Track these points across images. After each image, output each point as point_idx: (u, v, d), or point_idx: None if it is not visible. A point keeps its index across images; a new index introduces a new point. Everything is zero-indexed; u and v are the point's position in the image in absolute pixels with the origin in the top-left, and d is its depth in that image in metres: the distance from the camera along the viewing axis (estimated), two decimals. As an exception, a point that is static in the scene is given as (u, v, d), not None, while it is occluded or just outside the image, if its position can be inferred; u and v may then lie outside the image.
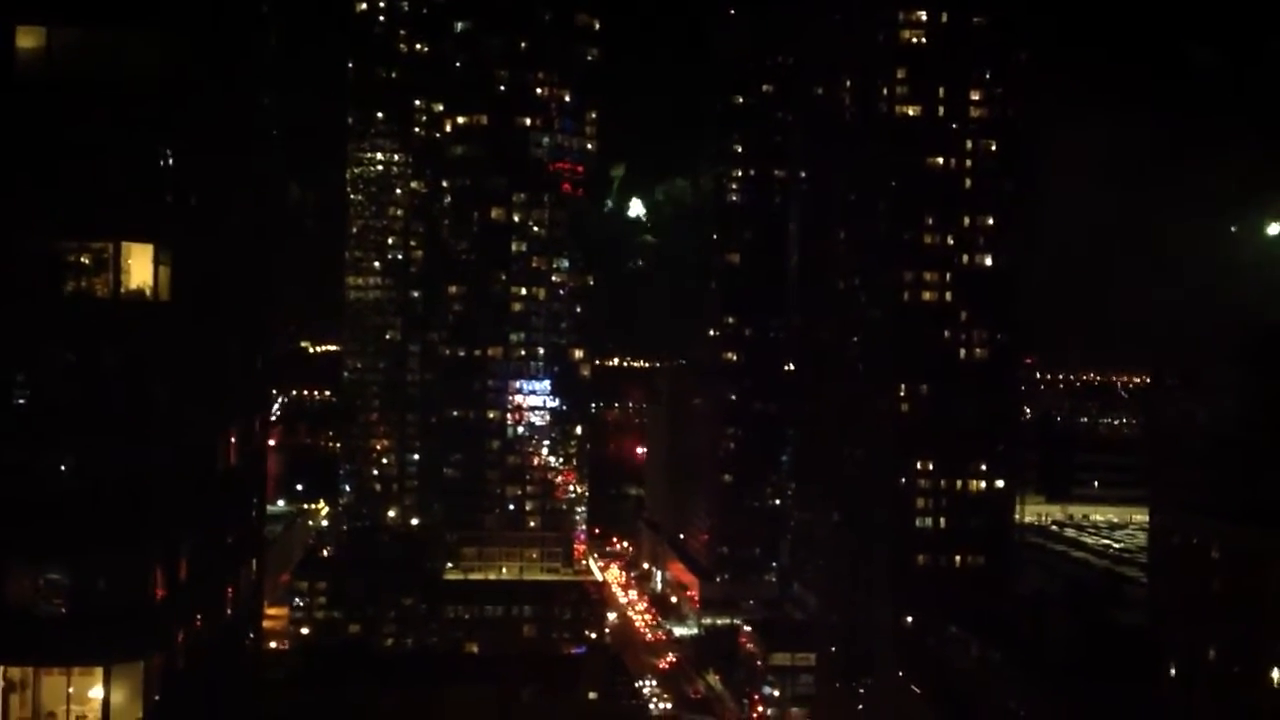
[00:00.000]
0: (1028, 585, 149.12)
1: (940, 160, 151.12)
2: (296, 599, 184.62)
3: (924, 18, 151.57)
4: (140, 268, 43.09)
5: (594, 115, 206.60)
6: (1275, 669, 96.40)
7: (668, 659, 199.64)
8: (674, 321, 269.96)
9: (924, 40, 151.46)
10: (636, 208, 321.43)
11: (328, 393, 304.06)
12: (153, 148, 43.80)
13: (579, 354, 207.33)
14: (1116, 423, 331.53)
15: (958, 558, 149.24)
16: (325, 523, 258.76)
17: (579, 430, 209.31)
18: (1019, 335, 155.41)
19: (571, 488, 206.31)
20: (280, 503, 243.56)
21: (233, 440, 53.72)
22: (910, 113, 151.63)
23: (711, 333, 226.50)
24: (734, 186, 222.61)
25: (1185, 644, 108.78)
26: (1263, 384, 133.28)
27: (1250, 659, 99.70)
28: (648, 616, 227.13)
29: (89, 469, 42.92)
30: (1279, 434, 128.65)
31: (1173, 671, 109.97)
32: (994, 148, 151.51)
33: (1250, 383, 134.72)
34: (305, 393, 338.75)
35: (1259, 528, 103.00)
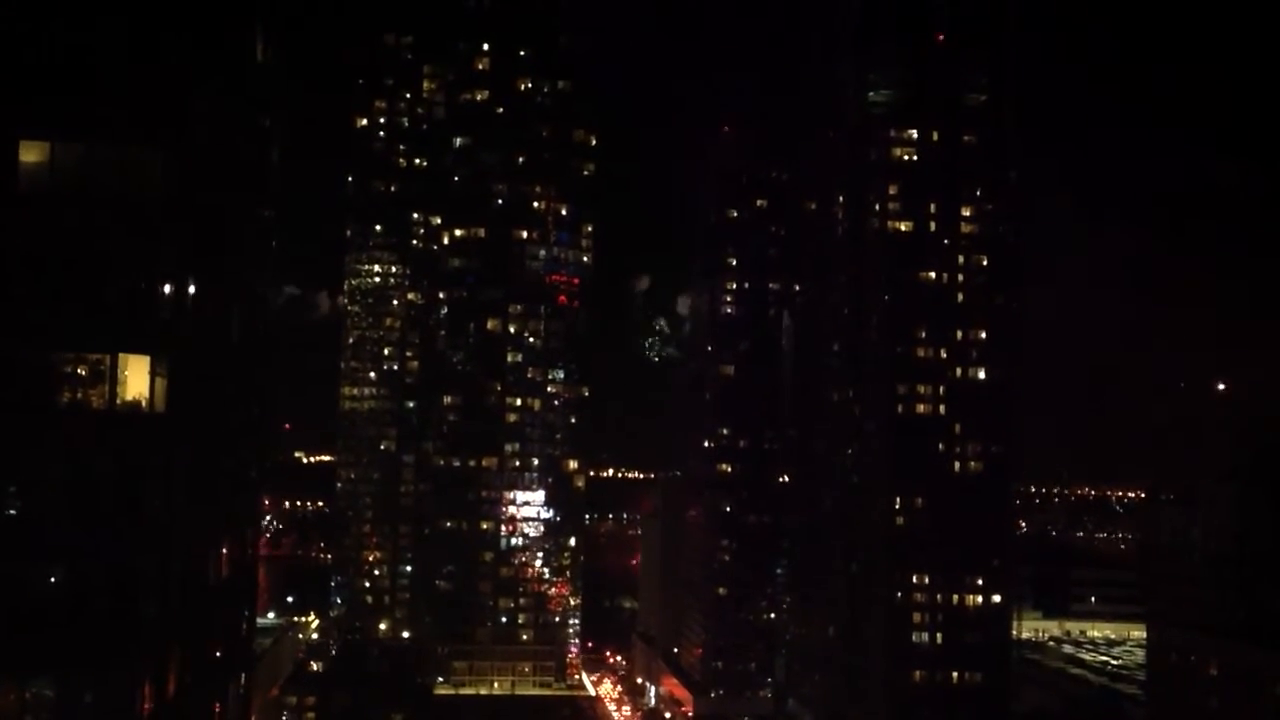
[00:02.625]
0: (1026, 702, 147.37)
1: (932, 274, 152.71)
2: (285, 714, 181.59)
3: (915, 135, 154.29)
4: (136, 379, 43.32)
5: (590, 228, 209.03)
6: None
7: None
8: (668, 433, 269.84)
9: (915, 157, 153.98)
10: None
11: (320, 503, 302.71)
12: (152, 260, 44.30)
13: (573, 465, 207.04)
14: (1112, 538, 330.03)
15: (955, 674, 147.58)
16: (315, 635, 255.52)
17: (573, 542, 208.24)
18: (1013, 448, 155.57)
19: (565, 600, 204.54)
20: (270, 615, 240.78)
21: (224, 552, 53.49)
22: (902, 228, 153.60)
23: (706, 444, 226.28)
24: (728, 299, 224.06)
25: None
26: (1258, 501, 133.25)
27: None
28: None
29: (79, 581, 42.67)
30: (1274, 551, 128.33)
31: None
32: (985, 262, 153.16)
33: (1246, 500, 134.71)
34: (298, 503, 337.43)
35: (1257, 646, 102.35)
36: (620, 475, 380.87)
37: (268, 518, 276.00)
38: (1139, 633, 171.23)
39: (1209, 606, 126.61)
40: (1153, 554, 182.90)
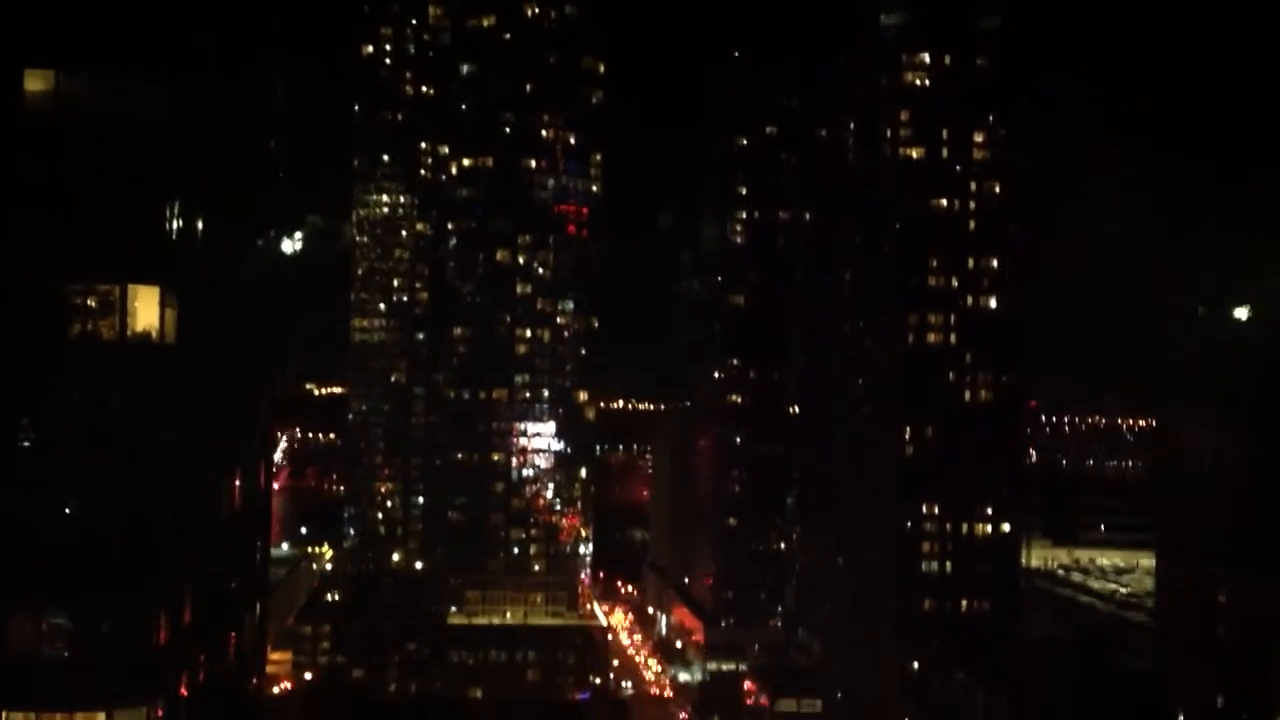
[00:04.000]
0: (1034, 630, 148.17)
1: (944, 202, 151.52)
2: (300, 644, 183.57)
3: (927, 60, 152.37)
4: (146, 310, 43.12)
5: (599, 158, 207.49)
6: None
7: (672, 706, 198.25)
8: (678, 364, 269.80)
9: (927, 83, 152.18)
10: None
11: (333, 435, 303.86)
12: (159, 191, 43.95)
13: (584, 396, 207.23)
14: (1122, 466, 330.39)
15: (964, 602, 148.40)
16: (329, 566, 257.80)
17: (583, 473, 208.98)
18: (1024, 378, 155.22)
19: (576, 531, 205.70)
20: (284, 546, 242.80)
21: (237, 484, 53.60)
22: (914, 155, 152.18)
23: (716, 375, 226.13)
24: (738, 229, 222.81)
25: (1193, 690, 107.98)
26: (1271, 429, 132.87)
27: (1259, 706, 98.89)
28: (652, 662, 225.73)
29: (93, 513, 42.79)
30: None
31: (1181, 718, 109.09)
32: (998, 190, 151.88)
33: (1257, 426, 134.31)
34: (310, 435, 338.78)
35: (1266, 574, 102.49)
36: (631, 406, 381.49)
37: (280, 449, 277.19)
38: (1148, 560, 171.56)
39: (1219, 535, 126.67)
40: (1163, 482, 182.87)
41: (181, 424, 44.60)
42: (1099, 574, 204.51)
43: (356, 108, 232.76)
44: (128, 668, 42.23)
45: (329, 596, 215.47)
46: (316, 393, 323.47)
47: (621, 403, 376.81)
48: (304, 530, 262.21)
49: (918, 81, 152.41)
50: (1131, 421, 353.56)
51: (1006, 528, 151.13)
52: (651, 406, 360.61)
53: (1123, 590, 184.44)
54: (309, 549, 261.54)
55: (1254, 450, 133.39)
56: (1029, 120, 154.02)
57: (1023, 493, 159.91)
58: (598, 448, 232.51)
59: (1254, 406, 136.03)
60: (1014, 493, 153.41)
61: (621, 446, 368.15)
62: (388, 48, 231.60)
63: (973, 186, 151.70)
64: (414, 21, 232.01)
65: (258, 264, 58.63)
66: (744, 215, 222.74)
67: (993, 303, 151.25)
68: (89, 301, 43.00)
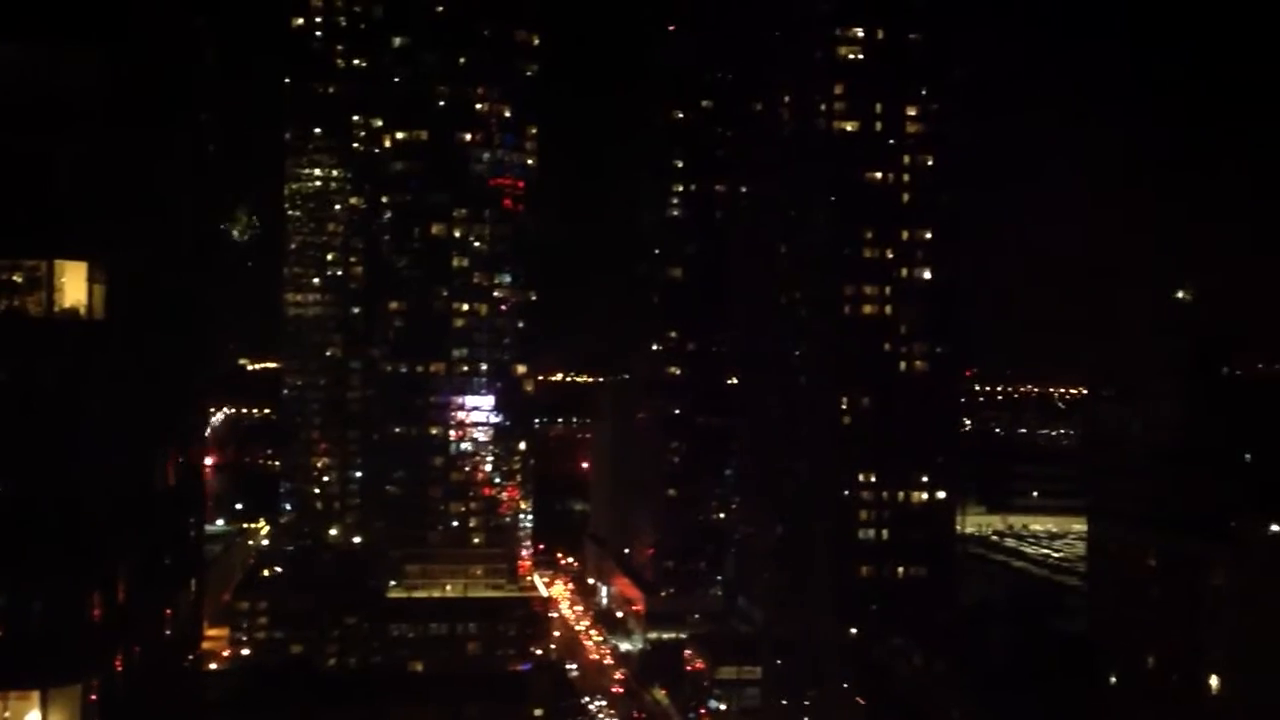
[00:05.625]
0: (970, 595, 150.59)
1: (878, 175, 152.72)
2: (237, 619, 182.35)
3: (861, 34, 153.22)
4: (75, 286, 42.57)
5: (534, 131, 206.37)
6: (1212, 675, 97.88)
7: (613, 675, 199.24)
8: (618, 336, 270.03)
9: (861, 56, 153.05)
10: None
11: (267, 410, 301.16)
12: (88, 164, 43.30)
13: (522, 369, 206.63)
14: (1054, 434, 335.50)
15: (901, 569, 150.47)
16: (266, 542, 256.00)
17: (522, 446, 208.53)
18: (958, 347, 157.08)
19: (515, 503, 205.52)
20: (220, 522, 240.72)
21: (170, 459, 53.12)
22: (848, 128, 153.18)
23: (654, 347, 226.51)
24: (675, 201, 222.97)
25: (1125, 651, 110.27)
26: (1198, 395, 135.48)
27: (1188, 666, 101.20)
28: (593, 632, 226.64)
29: (23, 490, 42.28)
30: (1211, 445, 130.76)
31: (1113, 679, 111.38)
32: (930, 162, 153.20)
33: (1186, 394, 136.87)
34: (244, 410, 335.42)
35: (1194, 537, 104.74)
36: (570, 379, 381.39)
37: (213, 424, 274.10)
38: (1080, 526, 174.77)
39: (1148, 499, 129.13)
40: (1094, 448, 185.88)
41: (111, 400, 44.12)
42: (1032, 539, 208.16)
43: (287, 80, 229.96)
44: (61, 646, 41.86)
45: (266, 572, 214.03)
46: (250, 368, 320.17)
47: (560, 375, 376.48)
48: (239, 506, 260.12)
49: (851, 55, 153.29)
50: (1063, 390, 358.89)
51: (942, 495, 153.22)
52: (590, 379, 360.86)
53: (1055, 555, 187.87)
54: (245, 525, 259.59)
55: (1182, 415, 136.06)
56: (961, 94, 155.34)
57: (958, 461, 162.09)
58: (537, 420, 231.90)
59: (1182, 376, 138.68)
60: (949, 461, 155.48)
61: (561, 419, 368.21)
62: (318, 20, 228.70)
63: (906, 159, 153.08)
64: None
65: (188, 238, 57.94)
66: (681, 188, 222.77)
67: (927, 273, 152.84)
68: (15, 277, 42.36)
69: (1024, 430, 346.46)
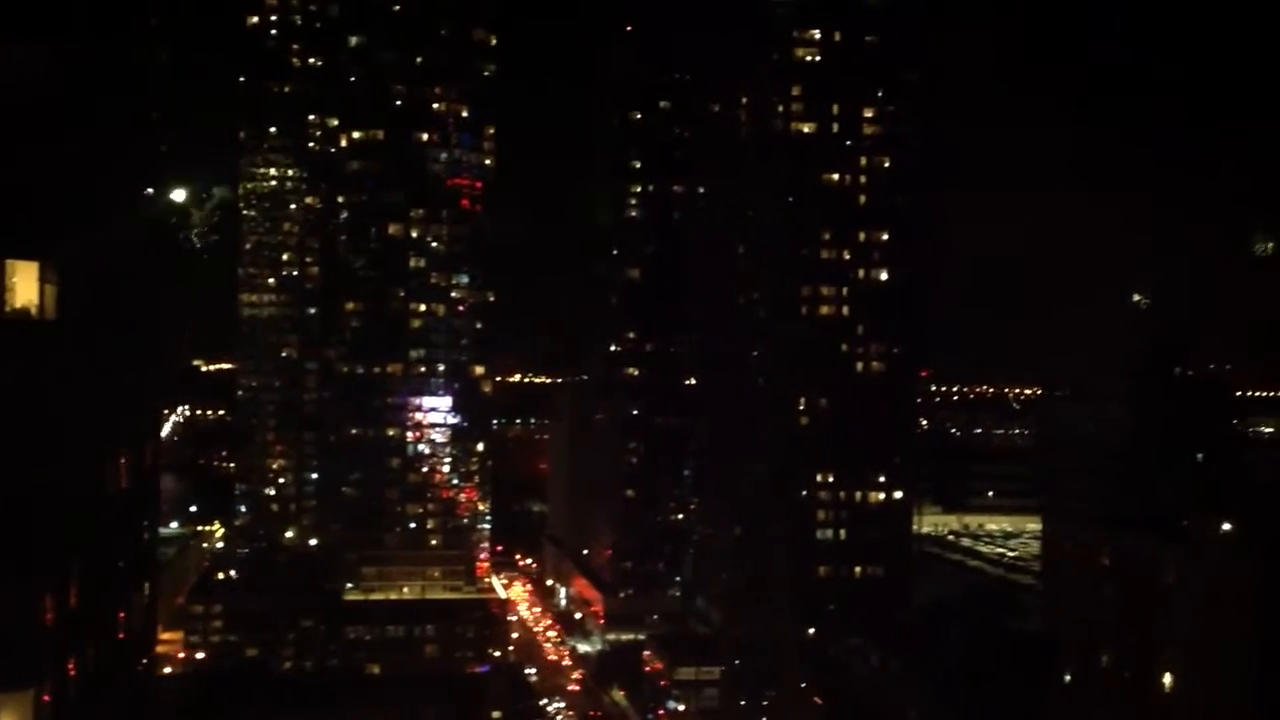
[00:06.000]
0: (926, 594, 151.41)
1: (835, 176, 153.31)
2: (192, 623, 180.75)
3: (818, 36, 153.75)
4: (26, 286, 41.99)
5: (492, 131, 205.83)
6: (1165, 673, 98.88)
7: (572, 676, 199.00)
8: (576, 337, 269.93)
9: (818, 58, 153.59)
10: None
11: (222, 412, 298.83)
12: (38, 162, 42.74)
13: (479, 370, 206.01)
14: (1010, 434, 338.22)
15: (858, 568, 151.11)
16: (221, 544, 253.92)
17: (480, 447, 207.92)
18: (914, 348, 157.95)
19: (473, 504, 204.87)
20: (174, 524, 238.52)
21: (123, 461, 52.54)
22: (805, 129, 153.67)
23: (613, 348, 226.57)
24: (633, 202, 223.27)
25: (1079, 650, 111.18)
26: (1150, 396, 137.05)
27: (1141, 664, 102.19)
28: (552, 633, 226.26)
29: (-28, 493, 41.67)
30: (1164, 444, 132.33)
31: (1067, 677, 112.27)
32: (887, 164, 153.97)
33: (1138, 395, 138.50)
34: (199, 412, 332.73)
35: (1147, 535, 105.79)
36: (527, 379, 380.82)
37: (168, 426, 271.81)
38: (1034, 525, 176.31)
39: (1102, 498, 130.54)
40: (1048, 449, 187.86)
41: (64, 401, 43.60)
42: (988, 539, 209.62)
43: (242, 79, 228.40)
44: (12, 650, 41.28)
45: (221, 575, 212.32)
46: (205, 369, 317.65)
47: (518, 376, 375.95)
48: (194, 508, 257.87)
49: (809, 57, 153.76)
50: (1018, 391, 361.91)
51: (899, 495, 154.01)
52: (549, 380, 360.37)
53: (1010, 554, 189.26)
54: (199, 527, 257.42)
55: (1134, 416, 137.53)
56: (917, 96, 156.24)
57: (914, 461, 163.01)
58: (495, 421, 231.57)
59: (1135, 377, 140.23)
60: (906, 461, 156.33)
61: (519, 420, 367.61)
62: (274, 18, 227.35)
63: (863, 161, 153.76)
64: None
65: (142, 238, 57.35)
66: (638, 189, 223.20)
67: (884, 275, 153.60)
68: (-35, 277, 41.74)
69: (979, 430, 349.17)
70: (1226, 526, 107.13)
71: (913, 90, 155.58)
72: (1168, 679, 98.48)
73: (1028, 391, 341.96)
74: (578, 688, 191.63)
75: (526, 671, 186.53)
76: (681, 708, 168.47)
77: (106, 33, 49.44)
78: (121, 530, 53.33)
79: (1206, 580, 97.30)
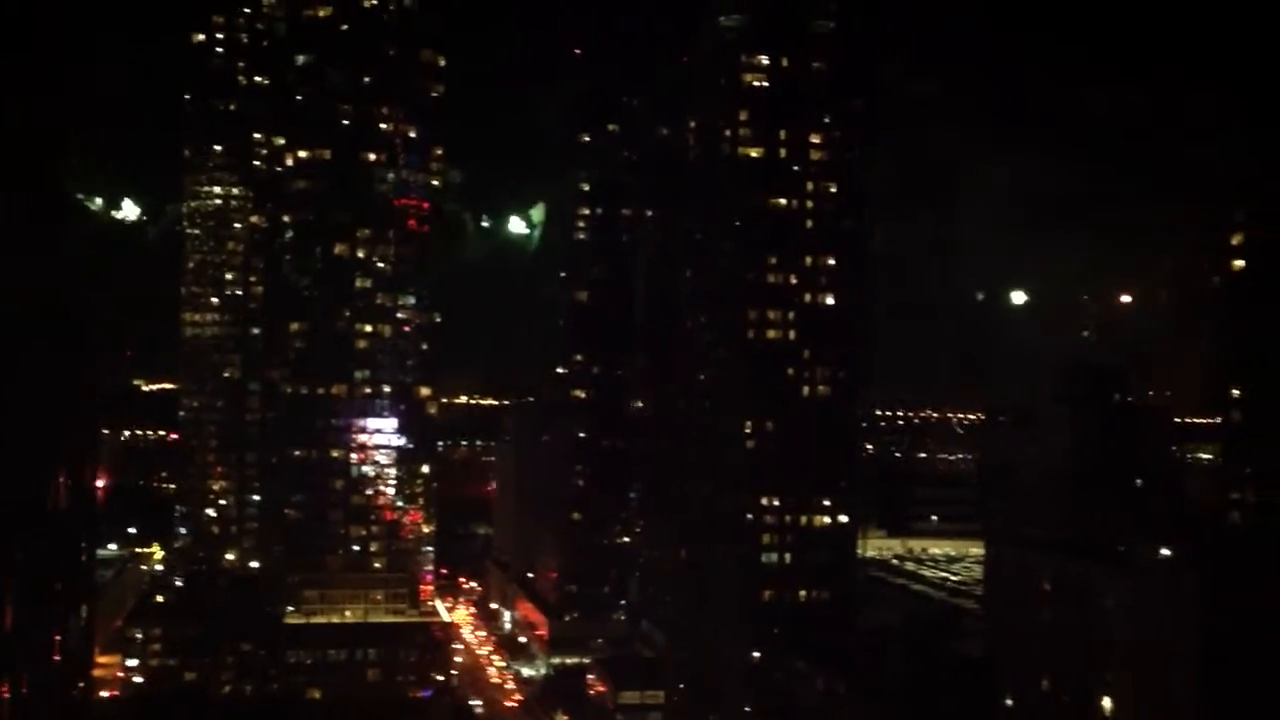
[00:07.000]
0: (870, 619, 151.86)
1: (782, 201, 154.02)
2: (130, 646, 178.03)
3: (766, 62, 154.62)
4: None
5: (439, 151, 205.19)
6: (1104, 696, 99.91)
7: (515, 700, 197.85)
8: (522, 359, 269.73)
9: (766, 84, 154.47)
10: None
11: (163, 432, 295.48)
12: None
13: (425, 391, 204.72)
14: (954, 459, 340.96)
15: (803, 592, 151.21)
16: (160, 567, 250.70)
17: (425, 469, 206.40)
18: (859, 373, 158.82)
19: (418, 527, 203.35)
20: (112, 546, 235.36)
21: (61, 482, 51.81)
22: (753, 154, 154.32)
23: (560, 370, 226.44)
24: (581, 224, 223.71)
25: (1020, 673, 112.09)
26: (1089, 422, 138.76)
27: (1081, 687, 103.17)
28: (496, 657, 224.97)
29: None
30: (1105, 470, 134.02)
31: (1009, 701, 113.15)
32: (834, 189, 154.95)
33: (1078, 420, 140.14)
34: (140, 432, 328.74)
35: (1086, 560, 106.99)
36: (474, 401, 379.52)
37: (107, 447, 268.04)
38: (977, 549, 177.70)
39: (1043, 523, 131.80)
40: (990, 473, 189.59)
41: (1, 421, 42.94)
42: (931, 563, 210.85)
43: (187, 96, 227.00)
44: (-57, 675, 40.50)
45: (159, 597, 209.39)
46: (146, 389, 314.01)
47: (465, 398, 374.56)
48: (133, 529, 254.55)
49: (756, 83, 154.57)
50: (962, 416, 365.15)
51: (844, 519, 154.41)
52: (495, 401, 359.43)
53: (953, 578, 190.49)
54: (138, 549, 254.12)
55: (1074, 441, 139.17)
56: (864, 122, 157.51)
57: (859, 485, 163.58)
58: (440, 443, 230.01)
59: (1074, 400, 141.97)
60: (850, 485, 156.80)
61: (465, 442, 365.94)
62: (220, 36, 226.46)
63: (810, 186, 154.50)
64: (247, 10, 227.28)
65: (82, 256, 56.71)
66: (587, 211, 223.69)
67: (830, 299, 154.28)
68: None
69: (924, 455, 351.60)
70: (1165, 552, 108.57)
71: (860, 116, 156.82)
72: (1107, 702, 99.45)
73: (971, 417, 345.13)
74: (522, 713, 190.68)
75: (471, 703, 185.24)
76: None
77: (49, 48, 48.99)
78: (59, 551, 52.56)
79: (1145, 604, 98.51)
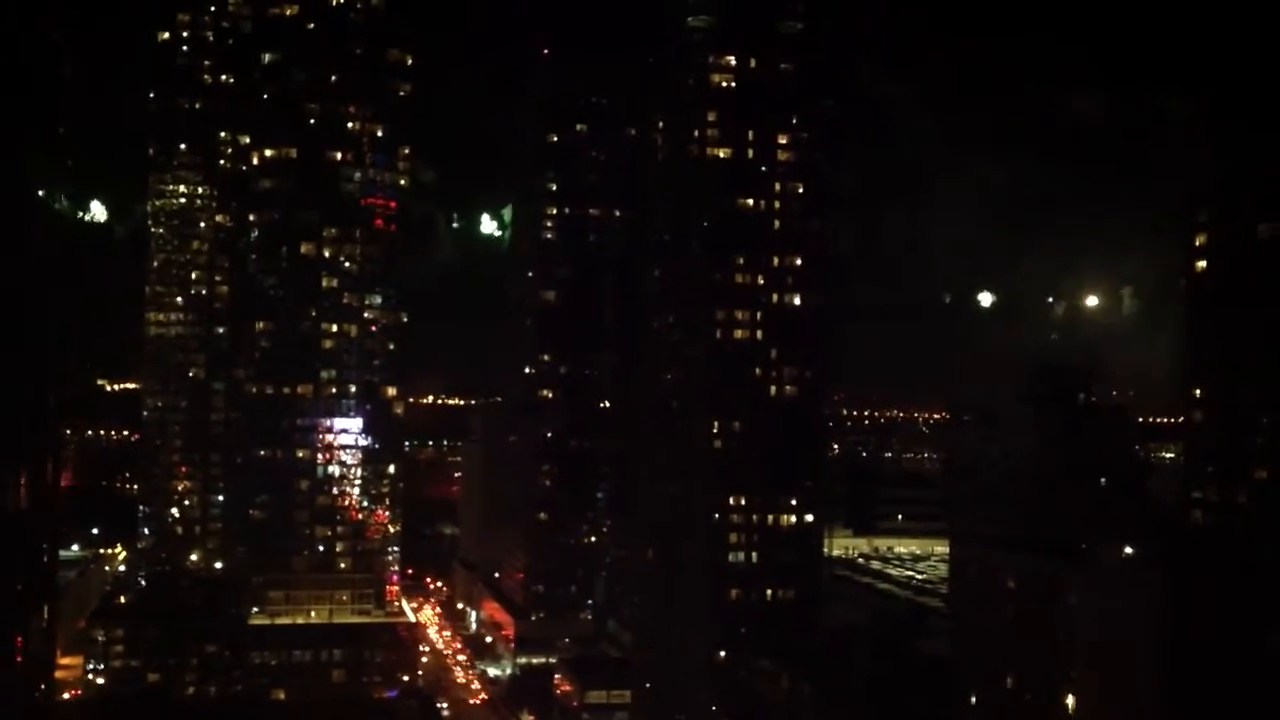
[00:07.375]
0: (836, 617, 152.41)
1: (750, 201, 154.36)
2: (92, 647, 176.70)
3: (733, 63, 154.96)
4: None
5: (407, 151, 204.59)
6: (1068, 694, 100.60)
7: (482, 700, 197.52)
8: (489, 359, 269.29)
9: (733, 84, 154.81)
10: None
11: (126, 432, 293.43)
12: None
13: (392, 391, 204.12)
14: (919, 458, 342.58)
15: (769, 591, 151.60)
16: (123, 568, 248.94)
17: (391, 469, 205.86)
18: (825, 372, 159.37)
19: (384, 527, 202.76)
20: (75, 547, 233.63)
21: (23, 482, 51.44)
22: (721, 154, 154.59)
23: (527, 370, 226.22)
24: (549, 224, 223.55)
25: (984, 671, 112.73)
26: (1052, 421, 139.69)
27: (1044, 685, 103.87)
28: (462, 657, 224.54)
29: None
30: (1068, 470, 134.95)
31: (973, 699, 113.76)
32: (801, 190, 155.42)
33: (1041, 420, 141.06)
34: (103, 432, 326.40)
35: (1050, 559, 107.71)
36: (440, 401, 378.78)
37: (69, 447, 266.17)
38: (942, 548, 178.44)
39: (1007, 521, 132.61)
40: (955, 472, 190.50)
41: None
42: (897, 562, 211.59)
43: (152, 95, 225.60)
44: (-98, 677, 40.16)
45: (122, 598, 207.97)
46: (109, 388, 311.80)
47: (431, 398, 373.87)
48: (96, 530, 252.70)
49: (724, 83, 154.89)
50: (927, 415, 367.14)
51: (810, 518, 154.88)
52: (462, 401, 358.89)
53: (919, 577, 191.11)
54: (101, 550, 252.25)
55: (1037, 441, 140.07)
56: (831, 123, 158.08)
57: (825, 484, 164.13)
58: (406, 443, 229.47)
59: (1037, 400, 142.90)
60: (817, 484, 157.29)
61: (431, 442, 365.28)
62: (185, 34, 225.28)
63: (777, 186, 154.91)
64: (213, 8, 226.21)
65: (43, 254, 56.31)
66: (555, 211, 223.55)
67: (797, 300, 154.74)
68: None
69: (889, 454, 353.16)
70: (1128, 550, 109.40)
71: (828, 117, 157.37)
72: (1071, 700, 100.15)
73: (936, 415, 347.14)
74: (488, 712, 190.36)
75: (438, 704, 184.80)
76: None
77: (10, 47, 48.60)
78: (20, 552, 52.18)
79: (1109, 603, 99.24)
